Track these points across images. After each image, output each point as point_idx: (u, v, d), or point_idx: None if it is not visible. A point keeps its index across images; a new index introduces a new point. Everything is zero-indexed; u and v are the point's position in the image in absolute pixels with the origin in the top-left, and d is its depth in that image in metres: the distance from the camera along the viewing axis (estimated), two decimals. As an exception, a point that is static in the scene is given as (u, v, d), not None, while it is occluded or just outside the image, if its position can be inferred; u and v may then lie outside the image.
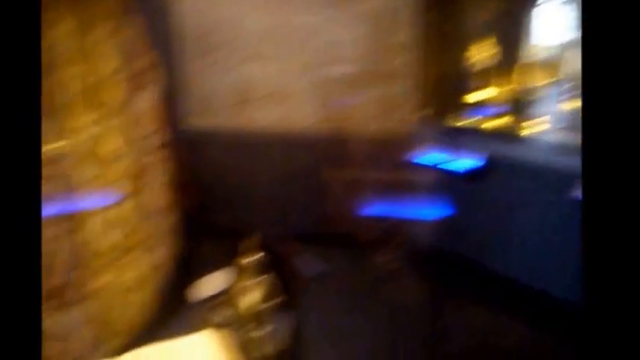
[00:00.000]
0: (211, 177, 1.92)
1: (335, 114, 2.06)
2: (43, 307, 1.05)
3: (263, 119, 2.10)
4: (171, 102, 1.49)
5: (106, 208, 1.19)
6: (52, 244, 1.05)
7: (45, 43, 1.03)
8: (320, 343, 1.54)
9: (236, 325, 1.25)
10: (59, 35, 1.07)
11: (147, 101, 1.33)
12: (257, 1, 2.00)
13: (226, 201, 1.90)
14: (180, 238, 1.41)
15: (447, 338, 1.45)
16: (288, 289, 1.41)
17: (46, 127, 1.03)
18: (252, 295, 1.28)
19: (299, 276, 1.55)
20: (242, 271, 1.31)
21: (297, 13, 1.97)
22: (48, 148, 1.04)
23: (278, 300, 1.31)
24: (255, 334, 1.23)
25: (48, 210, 1.05)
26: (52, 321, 1.07)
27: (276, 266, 1.37)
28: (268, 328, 1.24)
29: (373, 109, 2.04)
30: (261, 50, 2.04)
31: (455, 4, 1.97)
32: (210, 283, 1.36)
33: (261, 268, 1.32)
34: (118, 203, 1.23)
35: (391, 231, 1.91)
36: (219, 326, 1.23)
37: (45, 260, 1.04)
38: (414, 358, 1.44)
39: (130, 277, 1.26)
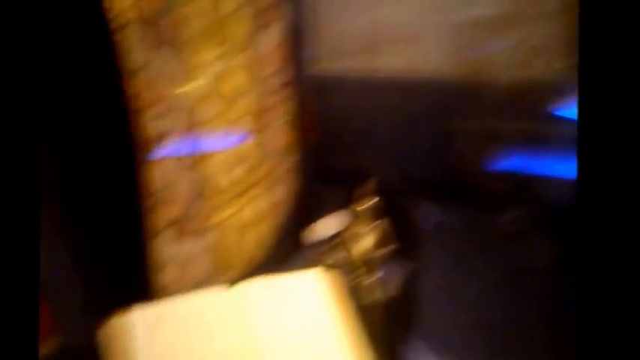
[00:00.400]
0: (334, 120, 1.90)
1: (470, 60, 1.92)
2: (163, 235, 1.12)
3: (393, 63, 2.01)
4: (298, 43, 1.47)
5: (228, 146, 1.22)
6: (173, 177, 1.09)
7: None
8: (434, 296, 1.49)
9: (347, 269, 1.24)
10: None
11: (271, 39, 1.32)
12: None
13: (348, 145, 1.88)
14: (299, 178, 1.42)
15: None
16: (403, 239, 1.37)
17: (171, 65, 1.06)
18: (366, 241, 1.26)
19: (416, 226, 1.50)
20: (357, 216, 1.29)
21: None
22: (172, 88, 1.07)
23: (392, 248, 1.28)
24: (366, 279, 1.22)
25: (171, 149, 1.09)
26: (171, 249, 1.13)
27: (393, 214, 1.33)
28: (379, 275, 1.22)
29: (513, 56, 1.86)
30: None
31: None
32: (326, 226, 1.36)
33: (377, 215, 1.29)
34: (239, 141, 1.25)
35: (522, 187, 1.78)
36: (331, 267, 1.23)
37: (166, 192, 1.09)
38: (536, 320, 1.35)
39: (249, 213, 1.29)
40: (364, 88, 2.07)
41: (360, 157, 1.86)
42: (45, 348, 1.08)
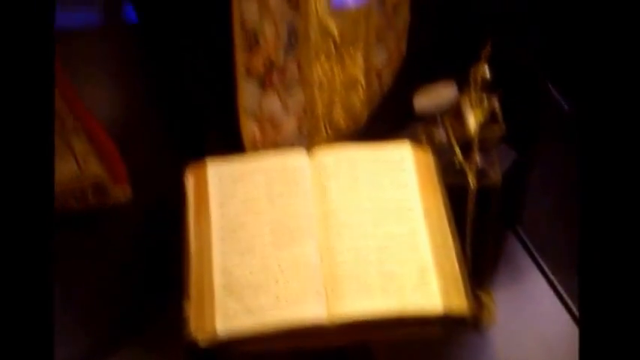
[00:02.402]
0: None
1: None
2: (249, 83, 1.05)
3: None
4: None
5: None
6: (269, 14, 0.99)
7: None
8: (544, 196, 1.34)
9: (444, 148, 1.11)
10: None
11: None
12: None
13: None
14: (411, 38, 1.25)
15: None
16: (517, 124, 1.20)
17: None
18: (471, 120, 1.11)
19: (535, 112, 1.31)
20: (466, 91, 1.13)
21: None
22: None
23: (498, 133, 1.12)
24: (462, 162, 1.09)
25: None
26: (256, 101, 1.06)
27: (510, 93, 1.15)
28: (478, 160, 1.08)
29: None
30: None
31: None
32: (429, 97, 1.21)
33: (489, 91, 1.12)
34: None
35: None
36: (425, 143, 1.11)
37: (259, 32, 1.00)
38: None
39: (349, 71, 1.17)
40: None
41: (481, 18, 1.63)
42: (115, 196, 1.10)
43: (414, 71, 1.25)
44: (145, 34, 1.24)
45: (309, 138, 1.15)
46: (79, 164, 1.07)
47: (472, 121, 1.08)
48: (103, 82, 1.22)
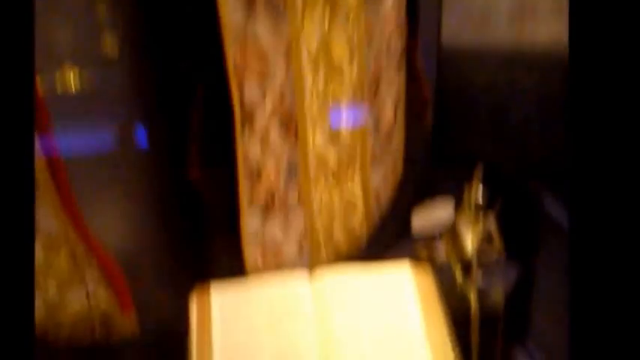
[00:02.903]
0: (458, 96, 1.74)
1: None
2: (252, 210, 1.09)
3: (543, 35, 1.80)
4: (413, 12, 1.34)
5: (334, 118, 1.14)
6: (270, 148, 1.06)
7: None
8: (551, 307, 1.32)
9: (444, 267, 1.13)
10: None
11: (385, 6, 1.21)
12: None
13: (470, 124, 1.71)
14: (404, 161, 1.31)
15: None
16: (517, 237, 1.22)
17: (278, 27, 1.00)
18: (469, 237, 1.13)
19: (534, 222, 1.33)
20: (463, 208, 1.16)
21: None
22: (276, 53, 1.01)
23: (498, 248, 1.14)
24: (464, 280, 1.10)
25: (271, 118, 1.04)
26: (258, 226, 1.10)
27: (507, 206, 1.18)
28: (479, 277, 1.09)
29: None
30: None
31: None
32: (428, 216, 1.25)
33: (486, 208, 1.15)
34: (346, 114, 1.17)
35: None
36: (425, 262, 1.12)
37: (260, 164, 1.05)
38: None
39: (343, 196, 1.21)
40: (501, 61, 1.86)
41: (483, 139, 1.70)
42: (121, 328, 1.11)
43: (412, 190, 1.29)
44: (156, 162, 1.30)
45: (309, 260, 1.17)
46: (88, 294, 1.09)
47: (469, 242, 1.10)
48: (111, 208, 1.26)
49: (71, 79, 1.02)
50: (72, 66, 1.03)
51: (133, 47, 1.05)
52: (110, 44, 1.03)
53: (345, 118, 1.14)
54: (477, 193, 1.11)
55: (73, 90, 1.03)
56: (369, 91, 1.21)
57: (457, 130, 1.66)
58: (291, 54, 1.03)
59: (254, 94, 1.01)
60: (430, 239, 1.17)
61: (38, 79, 0.96)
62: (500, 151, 1.52)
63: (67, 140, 1.07)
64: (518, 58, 1.77)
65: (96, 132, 1.35)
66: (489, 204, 1.14)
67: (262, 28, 0.97)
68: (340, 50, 1.12)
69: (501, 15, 1.87)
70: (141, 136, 1.43)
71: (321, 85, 1.10)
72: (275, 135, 1.07)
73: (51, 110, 0.97)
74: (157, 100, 1.13)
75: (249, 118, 1.02)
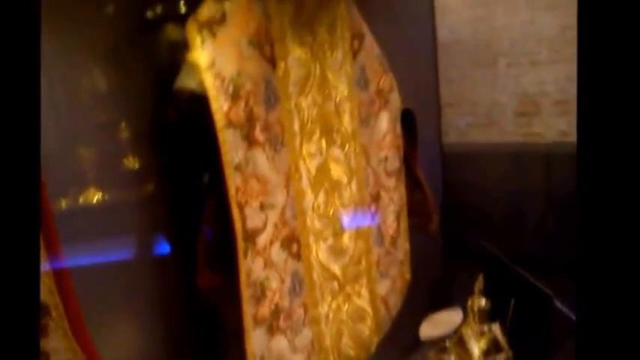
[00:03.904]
0: (467, 196, 1.78)
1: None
2: (257, 329, 1.10)
3: (549, 130, 1.86)
4: (409, 127, 1.40)
5: (335, 233, 1.19)
6: (273, 268, 1.08)
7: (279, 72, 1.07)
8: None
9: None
10: (292, 64, 1.09)
11: (381, 126, 1.28)
12: (545, 5, 1.80)
13: (481, 225, 1.74)
14: (408, 271, 1.33)
15: None
16: (531, 339, 1.21)
17: (278, 154, 1.06)
18: (479, 344, 1.14)
19: (547, 324, 1.32)
20: (470, 316, 1.17)
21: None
22: (277, 180, 1.07)
23: (509, 352, 1.13)
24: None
25: (273, 241, 1.08)
26: (265, 344, 1.11)
27: (521, 309, 1.18)
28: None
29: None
30: (549, 55, 1.83)
31: None
32: (435, 325, 1.26)
33: (490, 317, 1.15)
34: (348, 229, 1.22)
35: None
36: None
37: (265, 284, 1.07)
38: None
39: (354, 306, 1.24)
40: (509, 157, 1.90)
41: (496, 238, 1.71)
42: None
43: (421, 296, 1.31)
44: (169, 271, 1.33)
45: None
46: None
47: (476, 351, 1.10)
48: (117, 321, 1.25)
49: (94, 199, 1.08)
50: (96, 189, 1.09)
51: (150, 168, 1.11)
52: (132, 164, 1.09)
53: (348, 232, 1.19)
54: (480, 305, 1.12)
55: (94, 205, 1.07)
56: (370, 204, 1.26)
57: (467, 229, 1.69)
58: (291, 176, 1.09)
59: (255, 216, 1.04)
60: (439, 349, 1.17)
61: (62, 202, 1.01)
62: (513, 249, 1.53)
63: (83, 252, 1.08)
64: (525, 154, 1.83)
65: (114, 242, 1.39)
66: (496, 310, 1.14)
67: (262, 158, 1.03)
68: (339, 171, 1.18)
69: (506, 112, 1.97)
70: (156, 245, 1.47)
71: (322, 203, 1.15)
72: (278, 253, 1.09)
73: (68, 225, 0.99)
74: (172, 211, 1.16)
75: (251, 239, 1.04)
